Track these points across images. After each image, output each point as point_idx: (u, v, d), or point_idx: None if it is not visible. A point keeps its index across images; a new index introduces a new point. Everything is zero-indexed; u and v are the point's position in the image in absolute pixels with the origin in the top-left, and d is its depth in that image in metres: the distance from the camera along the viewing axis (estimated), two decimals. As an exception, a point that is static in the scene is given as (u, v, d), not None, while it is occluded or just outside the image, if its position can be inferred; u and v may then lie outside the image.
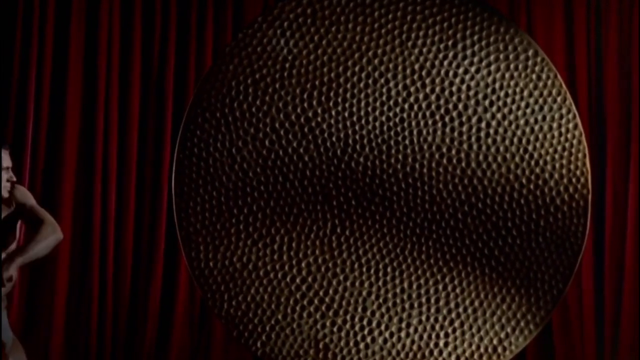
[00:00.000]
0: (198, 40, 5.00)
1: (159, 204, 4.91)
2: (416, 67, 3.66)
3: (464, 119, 3.66)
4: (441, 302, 3.65)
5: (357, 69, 3.66)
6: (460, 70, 3.66)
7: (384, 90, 3.65)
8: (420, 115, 3.66)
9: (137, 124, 4.98)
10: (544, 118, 3.66)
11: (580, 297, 5.00)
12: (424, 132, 3.65)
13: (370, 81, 3.65)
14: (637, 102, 5.04)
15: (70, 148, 4.92)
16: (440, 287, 3.66)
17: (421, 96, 3.66)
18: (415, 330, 3.65)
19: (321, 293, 3.64)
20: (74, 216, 4.91)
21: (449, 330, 3.65)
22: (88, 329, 4.87)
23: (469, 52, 3.66)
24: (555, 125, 3.66)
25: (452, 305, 3.66)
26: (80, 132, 4.95)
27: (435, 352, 3.64)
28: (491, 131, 3.66)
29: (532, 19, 5.09)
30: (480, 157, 3.66)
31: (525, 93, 3.66)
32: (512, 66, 3.67)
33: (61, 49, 4.95)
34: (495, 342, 3.65)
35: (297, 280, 3.65)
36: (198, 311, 4.93)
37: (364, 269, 3.65)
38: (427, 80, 3.66)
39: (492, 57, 3.66)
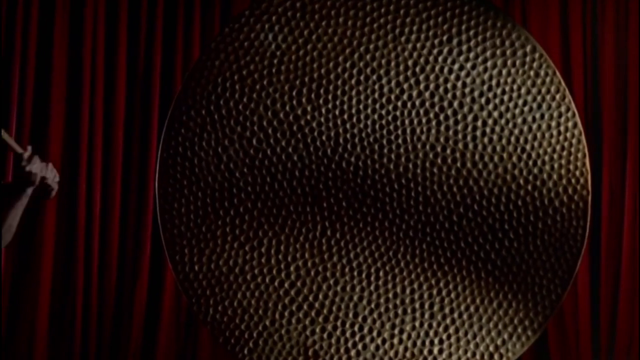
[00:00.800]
0: (185, 36, 5.01)
1: (145, 205, 4.93)
2: (410, 63, 3.62)
3: (459, 117, 3.62)
4: (435, 308, 3.61)
5: (348, 65, 3.61)
6: (456, 67, 3.62)
7: (376, 87, 3.60)
8: (413, 113, 3.61)
9: (123, 123, 4.98)
10: (542, 116, 3.62)
11: (576, 301, 5.01)
12: (418, 130, 3.61)
13: (361, 78, 3.61)
14: (634, 101, 5.05)
15: (55, 148, 4.92)
16: (435, 292, 3.62)
17: (415, 93, 3.61)
18: (409, 336, 3.61)
19: (310, 298, 3.60)
20: (58, 217, 4.92)
21: (444, 337, 3.61)
22: (72, 334, 4.88)
23: (464, 47, 3.62)
24: (553, 123, 3.62)
25: (447, 310, 3.62)
26: (65, 131, 4.96)
27: (429, 360, 3.61)
28: (487, 130, 3.62)
29: (527, 15, 5.10)
30: (476, 157, 3.62)
31: (523, 90, 3.62)
32: (509, 62, 3.63)
33: (45, 47, 4.94)
34: (491, 349, 3.62)
35: (286, 285, 3.60)
36: (185, 316, 4.95)
37: (355, 273, 3.61)
38: (421, 77, 3.62)
39: (488, 53, 3.62)
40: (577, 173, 3.65)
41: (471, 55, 3.62)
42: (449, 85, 3.61)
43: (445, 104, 3.61)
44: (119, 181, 4.96)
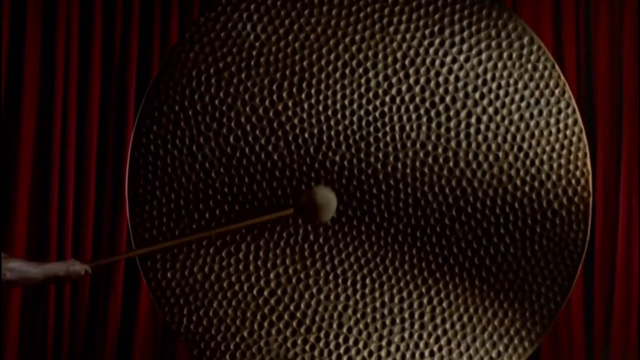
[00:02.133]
0: (162, 29, 5.03)
1: (120, 208, 4.91)
2: (398, 55, 3.55)
3: (451, 113, 3.55)
4: (426, 318, 3.55)
5: (332, 57, 3.54)
6: (448, 59, 3.55)
7: (363, 81, 3.54)
8: (403, 109, 3.55)
9: (97, 120, 4.99)
10: (540, 113, 3.56)
11: (569, 308, 5.07)
12: (407, 127, 3.54)
13: (347, 71, 3.54)
14: (629, 98, 5.09)
15: (26, 148, 4.94)
16: (425, 300, 3.55)
17: (404, 88, 3.55)
18: (397, 348, 3.54)
19: (292, 307, 3.53)
20: (30, 220, 4.93)
21: (435, 349, 3.55)
22: (44, 344, 4.89)
23: (457, 39, 3.56)
24: (552, 120, 3.56)
25: (439, 320, 3.55)
26: (37, 130, 4.97)
27: (420, 373, 3.56)
28: (482, 127, 3.55)
29: (517, 6, 5.14)
30: (470, 156, 3.55)
31: (520, 85, 3.56)
32: (505, 55, 3.56)
33: (17, 43, 4.95)
34: (486, 361, 3.58)
35: (265, 293, 3.53)
36: (161, 325, 4.95)
37: (340, 281, 3.54)
38: (411, 70, 3.55)
39: (483, 45, 3.56)
40: (578, 173, 3.59)
41: (464, 47, 3.56)
42: (440, 79, 3.55)
43: (437, 99, 3.55)
44: (93, 183, 4.96)
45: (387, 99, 3.54)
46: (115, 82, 4.99)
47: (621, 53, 5.11)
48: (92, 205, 4.94)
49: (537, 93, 3.56)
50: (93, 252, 4.95)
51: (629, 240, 5.08)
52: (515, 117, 3.55)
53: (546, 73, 3.56)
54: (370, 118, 3.53)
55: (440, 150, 3.54)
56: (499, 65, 3.56)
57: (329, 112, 3.53)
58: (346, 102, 3.53)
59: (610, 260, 5.11)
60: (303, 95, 3.52)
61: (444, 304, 3.55)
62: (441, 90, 3.55)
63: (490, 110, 3.55)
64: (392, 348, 3.53)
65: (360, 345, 3.53)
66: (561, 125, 3.57)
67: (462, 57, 3.55)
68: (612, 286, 5.09)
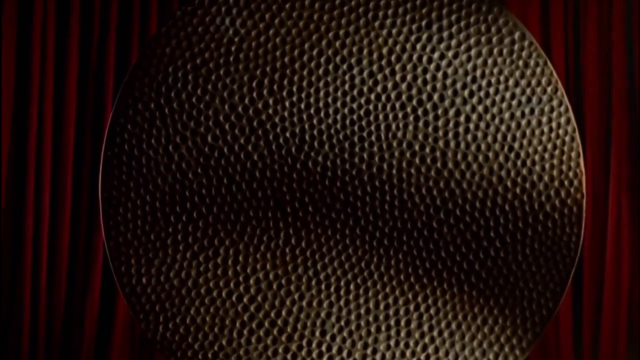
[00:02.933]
0: (141, 24, 4.98)
1: (97, 211, 4.80)
2: (384, 51, 3.50)
3: (439, 111, 3.51)
4: (413, 325, 3.51)
5: (315, 52, 3.49)
6: (436, 56, 3.50)
7: (347, 77, 3.49)
8: (388, 107, 3.50)
9: (74, 119, 4.93)
10: (532, 111, 3.52)
11: (557, 317, 5.10)
12: (393, 126, 3.50)
13: (330, 67, 3.49)
14: (618, 95, 5.11)
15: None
16: (412, 307, 3.51)
17: (390, 85, 3.50)
18: (383, 357, 3.50)
19: (272, 314, 3.48)
20: (4, 222, 4.88)
21: (422, 357, 3.51)
22: (18, 349, 4.86)
23: (445, 34, 3.51)
24: (545, 119, 3.52)
25: (426, 328, 3.51)
26: (11, 130, 4.91)
27: (406, 383, 3.53)
28: (471, 126, 3.51)
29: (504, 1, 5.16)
30: (459, 157, 3.51)
31: (511, 82, 3.52)
32: (495, 51, 3.52)
33: None
34: (475, 371, 3.54)
35: (245, 300, 3.48)
36: (140, 331, 4.90)
37: (323, 287, 3.50)
38: (397, 67, 3.50)
39: (472, 41, 3.51)
40: (571, 174, 3.54)
41: (453, 42, 3.51)
42: (428, 76, 3.51)
43: (424, 97, 3.51)
44: (70, 183, 4.91)
45: (372, 96, 3.49)
46: (93, 78, 4.96)
47: (610, 52, 5.13)
48: (69, 207, 4.91)
49: (528, 91, 3.52)
50: (70, 256, 4.91)
51: (618, 243, 5.10)
52: (506, 115, 3.52)
53: (538, 70, 3.52)
54: (355, 116, 3.49)
55: (427, 150, 3.50)
56: (489, 61, 3.51)
57: (312, 110, 3.49)
58: (329, 99, 3.49)
59: (599, 264, 5.13)
60: (284, 93, 3.48)
61: (432, 311, 3.51)
62: (429, 87, 3.51)
63: (480, 108, 3.51)
64: (378, 356, 3.49)
65: (345, 353, 3.49)
66: (553, 124, 3.53)
67: (450, 53, 3.51)
68: (601, 290, 5.13)
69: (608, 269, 5.08)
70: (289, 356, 3.47)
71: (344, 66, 3.48)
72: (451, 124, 3.50)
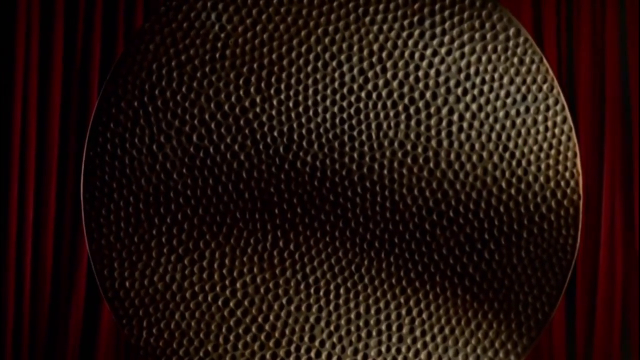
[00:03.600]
0: (126, 20, 5.01)
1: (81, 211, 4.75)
2: (375, 47, 3.48)
3: (432, 110, 3.49)
4: (405, 330, 3.49)
5: (303, 49, 3.47)
6: (428, 52, 3.49)
7: (336, 75, 3.47)
8: (379, 105, 3.49)
9: (59, 118, 4.96)
10: (527, 110, 3.51)
11: (550, 324, 5.06)
12: (384, 125, 3.48)
13: (319, 64, 3.47)
14: (612, 93, 5.17)
15: None
16: (404, 311, 3.49)
17: (381, 82, 3.48)
18: None
19: (260, 319, 3.46)
20: None
21: None
22: (1, 352, 4.90)
23: (438, 30, 3.49)
24: (540, 118, 3.51)
25: (418, 333, 3.49)
26: None
27: (398, 390, 3.52)
28: (465, 125, 3.49)
29: None
30: (452, 156, 3.49)
31: (506, 80, 3.50)
32: (489, 48, 3.50)
33: None
34: (469, 377, 3.54)
35: (231, 304, 3.45)
36: (124, 338, 4.94)
37: (312, 290, 3.48)
38: (388, 64, 3.48)
39: (466, 37, 3.50)
40: (567, 175, 3.53)
41: (446, 39, 3.50)
42: (420, 74, 3.49)
43: (416, 94, 3.49)
44: (54, 185, 4.94)
45: (363, 94, 3.47)
46: (78, 77, 4.98)
47: (604, 52, 5.17)
48: (53, 208, 4.94)
49: (523, 89, 3.51)
50: (54, 257, 4.94)
51: (611, 244, 5.15)
52: (501, 114, 3.50)
53: (533, 67, 3.51)
54: (345, 115, 3.48)
55: (419, 149, 3.49)
56: (483, 58, 3.50)
57: (300, 109, 3.46)
58: (318, 97, 3.47)
59: (592, 265, 5.18)
60: (272, 91, 3.46)
61: (424, 315, 3.50)
62: (421, 85, 3.49)
63: (474, 107, 3.50)
64: (368, 363, 3.49)
65: (334, 359, 3.47)
66: (549, 123, 3.52)
67: (443, 50, 3.50)
68: (595, 291, 5.17)
69: (602, 270, 5.12)
70: (276, 362, 3.46)
71: (334, 63, 3.47)
72: (444, 123, 3.48)
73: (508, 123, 3.49)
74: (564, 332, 5.12)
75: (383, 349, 3.46)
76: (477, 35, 3.49)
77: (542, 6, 5.18)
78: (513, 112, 3.49)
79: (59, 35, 4.92)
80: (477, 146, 3.48)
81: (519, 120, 3.50)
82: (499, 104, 3.49)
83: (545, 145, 3.50)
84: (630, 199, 5.16)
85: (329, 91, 3.46)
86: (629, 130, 5.17)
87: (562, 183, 3.51)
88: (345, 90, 3.46)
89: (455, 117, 3.48)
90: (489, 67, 3.49)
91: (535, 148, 3.50)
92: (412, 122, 3.47)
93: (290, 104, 3.45)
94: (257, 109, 3.43)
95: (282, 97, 3.45)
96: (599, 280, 5.12)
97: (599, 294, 5.11)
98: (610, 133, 5.14)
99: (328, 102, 3.45)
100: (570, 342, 5.15)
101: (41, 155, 4.93)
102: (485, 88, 3.49)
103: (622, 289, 5.13)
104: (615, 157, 5.16)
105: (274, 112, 3.44)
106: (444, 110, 3.48)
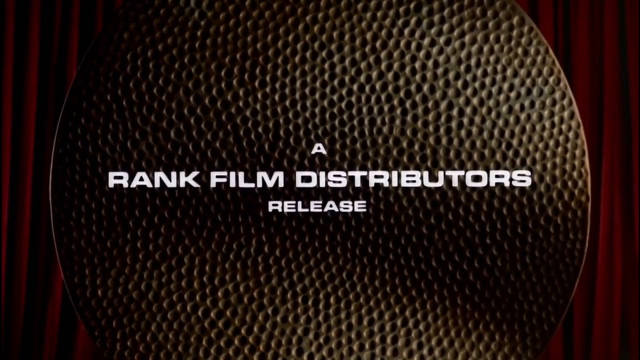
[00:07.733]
0: (105, 17, 4.95)
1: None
2: (368, 36, 3.40)
3: (429, 104, 3.42)
4: (400, 342, 3.41)
5: (290, 38, 3.38)
6: (425, 42, 3.41)
7: (326, 66, 3.39)
8: (373, 99, 3.41)
9: (34, 119, 4.89)
10: (532, 104, 3.44)
11: None
12: (378, 121, 3.40)
13: (308, 55, 3.38)
14: (610, 91, 5.12)
15: None
16: (399, 322, 3.41)
17: (374, 74, 3.40)
18: None
19: (243, 331, 3.37)
20: None
21: None
22: None
23: (436, 18, 3.42)
24: (546, 113, 3.44)
25: (414, 346, 3.41)
26: None
27: (392, 408, 3.48)
28: (465, 121, 3.42)
29: None
30: (451, 154, 3.42)
31: (509, 72, 3.43)
32: (491, 37, 3.43)
33: None
34: (469, 393, 3.50)
35: (212, 314, 3.37)
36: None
37: (300, 300, 3.40)
38: (383, 54, 3.40)
39: (466, 26, 3.43)
40: (575, 174, 3.46)
41: (445, 27, 3.42)
42: (417, 65, 3.41)
43: (413, 88, 3.41)
44: (30, 185, 4.86)
45: (355, 87, 3.39)
46: (54, 73, 4.92)
47: (602, 51, 5.14)
48: (28, 210, 4.88)
49: (528, 81, 3.43)
50: (29, 263, 4.89)
51: (610, 245, 5.12)
52: (503, 109, 3.42)
53: (539, 58, 3.43)
54: (335, 109, 3.38)
55: (416, 147, 3.40)
56: (485, 49, 3.42)
57: (287, 103, 3.37)
58: (307, 90, 3.37)
59: (591, 267, 5.15)
60: (256, 83, 3.36)
61: (421, 326, 3.41)
62: (418, 77, 3.41)
63: (475, 101, 3.41)
64: (361, 378, 3.41)
65: None
66: (556, 119, 3.44)
67: (442, 40, 3.41)
68: (593, 293, 5.14)
69: (600, 271, 5.10)
70: (261, 377, 3.38)
71: (323, 53, 3.38)
72: (443, 118, 3.40)
73: (511, 119, 3.41)
74: (561, 336, 5.10)
75: (377, 363, 3.41)
76: (478, 24, 3.41)
77: (539, 3, 5.17)
78: (517, 106, 3.41)
79: (34, 30, 4.89)
80: (478, 143, 3.40)
81: (523, 116, 3.41)
82: (501, 98, 3.41)
83: (551, 143, 3.42)
84: (629, 200, 5.16)
85: (318, 83, 3.37)
86: (627, 131, 5.18)
87: (570, 183, 3.43)
88: (335, 82, 3.37)
89: (454, 112, 3.39)
90: (491, 58, 3.41)
91: (540, 145, 3.42)
92: (408, 118, 3.39)
93: (276, 98, 3.36)
94: (240, 103, 3.34)
95: (267, 90, 3.36)
96: (597, 282, 5.11)
97: (597, 297, 5.12)
98: (609, 133, 5.14)
99: (317, 96, 3.36)
100: (567, 346, 5.15)
101: (16, 156, 4.90)
102: (487, 81, 3.40)
103: (622, 291, 5.13)
104: (614, 158, 5.15)
105: (258, 107, 3.35)
106: (443, 105, 3.39)
